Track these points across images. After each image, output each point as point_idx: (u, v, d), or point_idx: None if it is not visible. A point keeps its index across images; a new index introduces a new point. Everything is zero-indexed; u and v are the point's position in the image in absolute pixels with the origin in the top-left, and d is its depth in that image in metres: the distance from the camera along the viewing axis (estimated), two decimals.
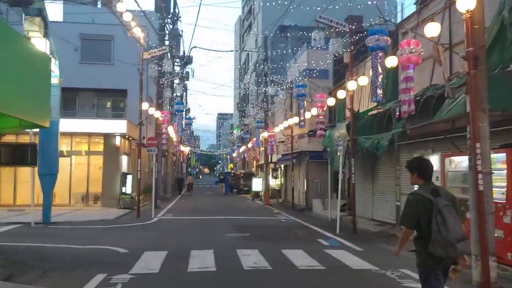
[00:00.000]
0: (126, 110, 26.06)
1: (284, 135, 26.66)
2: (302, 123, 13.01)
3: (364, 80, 11.95)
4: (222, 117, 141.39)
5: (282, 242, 11.03)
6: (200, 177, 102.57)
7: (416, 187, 4.32)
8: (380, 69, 8.71)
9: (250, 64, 48.02)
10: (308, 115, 14.78)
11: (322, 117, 12.94)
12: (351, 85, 12.59)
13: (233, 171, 53.34)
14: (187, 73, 26.92)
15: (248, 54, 53.66)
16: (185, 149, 43.30)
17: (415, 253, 4.08)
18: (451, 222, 3.83)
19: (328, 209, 17.00)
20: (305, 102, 13.29)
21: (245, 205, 24.94)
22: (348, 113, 16.33)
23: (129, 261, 8.41)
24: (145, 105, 17.25)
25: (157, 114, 19.18)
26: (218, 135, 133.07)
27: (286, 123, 22.45)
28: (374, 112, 13.21)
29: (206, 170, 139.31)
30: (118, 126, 20.65)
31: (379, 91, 8.94)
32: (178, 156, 42.10)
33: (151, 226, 14.26)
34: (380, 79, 8.83)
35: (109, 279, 7.06)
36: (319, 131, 12.89)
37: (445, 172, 9.44)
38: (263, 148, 30.90)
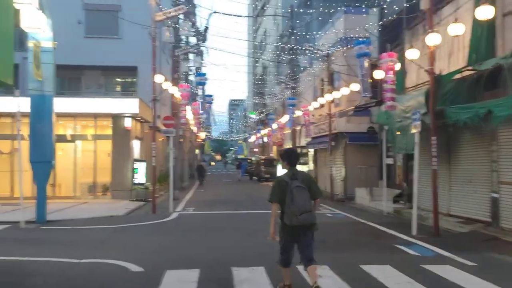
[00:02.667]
0: (137, 90, 23.19)
1: (313, 115, 23.54)
2: (366, 93, 9.92)
3: (458, 29, 8.80)
4: (234, 103, 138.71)
5: (351, 250, 8.10)
6: (213, 163, 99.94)
7: None
8: None
9: (268, 40, 44.67)
10: (375, 76, 11.51)
11: (391, 82, 9.80)
12: (432, 39, 9.46)
13: (250, 158, 50.50)
14: (201, 52, 23.89)
15: (265, 34, 50.50)
16: (201, 134, 40.40)
17: None
18: (298, 199, 5.01)
19: (383, 200, 13.98)
20: (367, 63, 10.12)
21: None
22: (409, 82, 13.22)
23: None
24: (159, 78, 14.29)
25: (173, 90, 16.20)
26: (231, 121, 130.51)
27: (322, 100, 19.34)
28: (459, 76, 10.06)
29: (218, 157, 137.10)
30: (128, 106, 17.79)
31: None
32: (193, 141, 39.19)
33: (170, 225, 11.40)
34: None
35: None
36: (389, 102, 9.78)
37: None
38: (289, 131, 27.87)
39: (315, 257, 7.25)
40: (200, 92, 15.19)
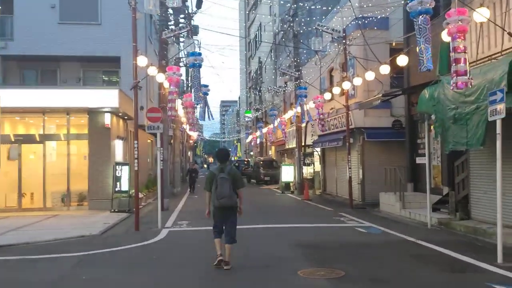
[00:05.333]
0: (120, 83, 20.25)
1: (320, 109, 20.62)
2: (428, 64, 7.11)
3: None
4: (226, 104, 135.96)
5: None
6: (205, 166, 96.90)
7: None
8: None
9: (263, 33, 41.91)
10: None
11: (464, 49, 6.97)
12: None
13: (246, 159, 47.70)
14: (193, 31, 20.80)
15: (259, 27, 47.76)
16: (193, 134, 37.37)
17: None
18: (220, 187, 6.61)
19: (427, 208, 11.15)
20: (429, 26, 7.23)
21: (280, 201, 19.14)
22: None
23: None
24: (142, 61, 11.36)
25: (160, 78, 13.26)
26: (223, 121, 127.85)
27: (336, 89, 16.52)
28: None
29: (211, 160, 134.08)
30: (107, 98, 14.82)
31: None
32: (185, 141, 36.15)
33: (158, 252, 8.43)
34: None
35: None
36: (461, 78, 6.87)
37: None
38: (292, 128, 25.06)
39: None
40: (197, 76, 12.07)
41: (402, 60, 10.95)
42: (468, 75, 7.19)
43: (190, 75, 12.15)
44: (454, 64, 7.25)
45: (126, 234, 10.62)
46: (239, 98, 78.54)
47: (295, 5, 21.14)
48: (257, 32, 49.17)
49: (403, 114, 15.90)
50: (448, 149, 9.68)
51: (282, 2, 33.53)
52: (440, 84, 10.24)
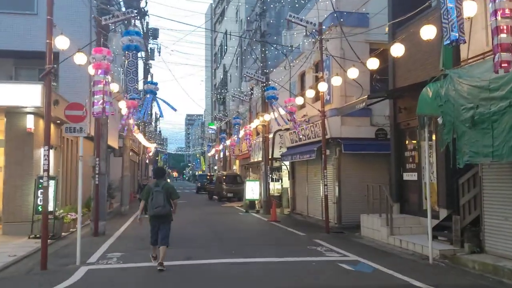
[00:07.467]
0: (59, 83, 17.30)
1: (288, 118, 18.17)
2: (460, 35, 4.81)
3: None
4: (191, 118, 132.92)
5: None
6: (168, 181, 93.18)
7: None
8: None
9: (230, 42, 39.61)
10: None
11: (509, 12, 4.78)
12: None
13: (208, 174, 44.87)
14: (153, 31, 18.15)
15: (225, 35, 45.57)
16: (151, 145, 34.26)
17: None
18: (155, 199, 7.72)
19: (429, 238, 8.76)
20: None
21: (243, 223, 16.39)
22: (474, 49, 8.16)
23: None
24: (62, 42, 8.60)
25: (91, 70, 10.29)
26: (187, 136, 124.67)
27: (310, 92, 14.13)
28: None
29: (175, 174, 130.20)
30: (28, 95, 11.87)
31: None
32: (141, 153, 32.93)
33: None
34: None
35: None
36: (506, 55, 4.64)
37: None
38: (258, 140, 22.56)
39: None
40: (134, 62, 9.25)
41: (397, 50, 8.64)
42: None
43: (123, 49, 9.23)
44: (496, 36, 4.93)
45: (27, 275, 7.63)
46: (204, 111, 76.04)
47: (262, 3, 18.81)
48: (222, 40, 46.95)
49: (386, 123, 13.72)
50: (463, 162, 7.36)
51: (248, 6, 31.48)
52: (448, 78, 7.97)
